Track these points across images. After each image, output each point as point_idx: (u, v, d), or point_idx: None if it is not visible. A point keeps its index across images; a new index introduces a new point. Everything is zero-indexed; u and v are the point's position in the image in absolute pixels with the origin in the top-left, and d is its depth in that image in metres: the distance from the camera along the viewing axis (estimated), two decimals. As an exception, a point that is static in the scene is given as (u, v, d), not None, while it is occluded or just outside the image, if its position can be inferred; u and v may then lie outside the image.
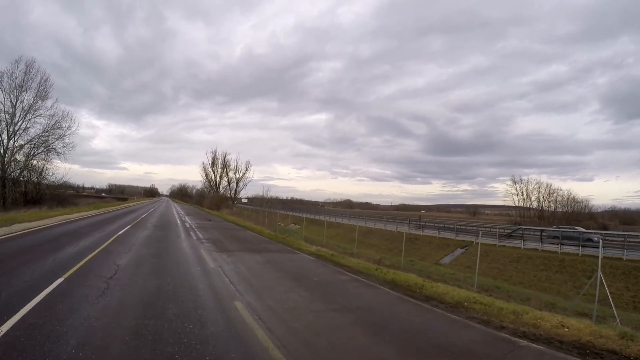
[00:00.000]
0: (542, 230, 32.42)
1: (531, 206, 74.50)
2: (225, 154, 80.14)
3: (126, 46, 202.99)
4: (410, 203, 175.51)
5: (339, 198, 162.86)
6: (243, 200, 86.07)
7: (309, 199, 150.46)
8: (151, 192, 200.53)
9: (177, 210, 58.14)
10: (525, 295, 16.39)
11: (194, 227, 26.49)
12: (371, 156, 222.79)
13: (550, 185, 73.10)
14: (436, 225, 41.95)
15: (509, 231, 34.72)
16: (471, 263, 28.63)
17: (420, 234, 40.02)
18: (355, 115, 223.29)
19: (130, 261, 10.81)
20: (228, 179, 78.74)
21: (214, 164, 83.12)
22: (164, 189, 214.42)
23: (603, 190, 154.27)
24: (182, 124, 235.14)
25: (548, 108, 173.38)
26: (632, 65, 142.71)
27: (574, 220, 64.35)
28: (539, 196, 73.17)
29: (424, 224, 44.64)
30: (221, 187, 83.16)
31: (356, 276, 11.72)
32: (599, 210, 75.73)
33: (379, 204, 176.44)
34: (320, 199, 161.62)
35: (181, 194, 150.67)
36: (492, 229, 36.35)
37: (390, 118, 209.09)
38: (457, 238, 35.37)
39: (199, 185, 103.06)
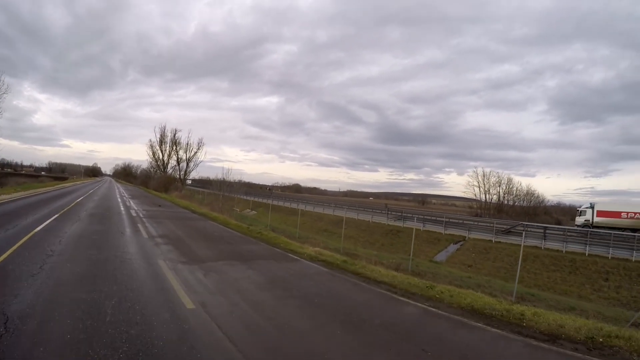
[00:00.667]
0: (545, 228, 29.58)
1: (492, 199, 74.22)
2: (176, 131, 72.10)
3: (76, 15, 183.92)
4: (357, 190, 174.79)
5: (287, 182, 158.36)
6: (187, 181, 79.20)
7: (257, 182, 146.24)
8: (93, 172, 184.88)
9: (120, 192, 51.03)
10: (565, 304, 13.09)
11: (141, 215, 21.01)
12: (320, 141, 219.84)
13: (512, 180, 73.21)
14: (420, 217, 38.11)
15: (507, 227, 31.39)
16: (471, 261, 25.78)
17: (401, 226, 35.76)
18: (306, 100, 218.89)
19: (32, 303, 5.61)
20: (177, 159, 71.21)
21: (162, 141, 74.16)
22: (107, 169, 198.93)
23: (544, 186, 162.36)
24: (129, 100, 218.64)
25: (497, 105, 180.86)
26: (581, 71, 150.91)
27: (531, 214, 64.41)
28: (499, 189, 72.88)
29: (406, 215, 40.35)
30: (169, 167, 75.63)
31: (420, 303, 7.49)
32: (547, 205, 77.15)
33: (326, 190, 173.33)
34: (268, 183, 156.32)
35: (125, 173, 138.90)
36: (489, 225, 32.90)
37: (341, 105, 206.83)
38: (446, 232, 31.86)
39: (145, 165, 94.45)
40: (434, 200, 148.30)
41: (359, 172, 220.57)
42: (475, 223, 34.24)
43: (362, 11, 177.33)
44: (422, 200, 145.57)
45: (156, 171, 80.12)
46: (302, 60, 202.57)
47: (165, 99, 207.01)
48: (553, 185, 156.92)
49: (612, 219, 39.10)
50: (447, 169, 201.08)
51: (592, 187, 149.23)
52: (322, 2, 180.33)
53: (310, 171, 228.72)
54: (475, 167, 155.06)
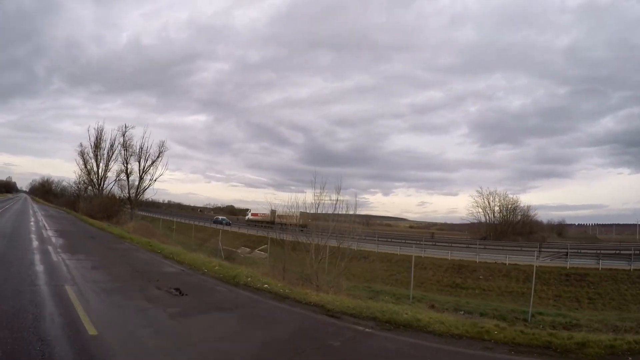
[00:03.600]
0: None
1: (494, 220, 60.83)
2: (126, 127, 45.87)
3: (3, 14, 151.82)
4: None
5: (213, 203, 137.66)
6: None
7: (185, 203, 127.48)
8: (6, 187, 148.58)
9: (38, 220, 28.75)
10: None
11: None
12: (247, 162, 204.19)
13: (517, 199, 61.26)
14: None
15: None
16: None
17: (565, 265, 25.32)
18: (235, 119, 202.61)
19: None
20: (127, 170, 47.44)
21: (97, 146, 48.45)
22: (24, 184, 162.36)
23: (466, 204, 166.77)
24: (51, 111, 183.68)
25: (421, 129, 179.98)
26: (501, 98, 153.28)
27: (527, 232, 55.33)
28: (502, 208, 60.31)
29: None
30: (106, 182, 51.43)
31: None
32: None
33: (257, 211, 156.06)
34: (194, 203, 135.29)
35: (44, 190, 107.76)
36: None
37: (269, 125, 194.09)
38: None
39: (70, 180, 69.25)
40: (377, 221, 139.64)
41: (286, 193, 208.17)
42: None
43: (295, 35, 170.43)
44: (367, 221, 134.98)
45: (86, 188, 55.73)
46: (233, 80, 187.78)
47: (89, 112, 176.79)
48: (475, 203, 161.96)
49: (255, 217, 62.11)
50: (373, 190, 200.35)
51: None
52: (258, 24, 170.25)
53: (236, 192, 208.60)
54: (398, 188, 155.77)
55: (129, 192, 46.59)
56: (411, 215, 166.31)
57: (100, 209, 42.91)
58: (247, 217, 68.81)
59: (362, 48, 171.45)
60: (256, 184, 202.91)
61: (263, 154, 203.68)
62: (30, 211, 43.82)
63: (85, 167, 51.07)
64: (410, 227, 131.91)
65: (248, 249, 39.50)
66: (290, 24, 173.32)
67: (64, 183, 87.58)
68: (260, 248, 40.34)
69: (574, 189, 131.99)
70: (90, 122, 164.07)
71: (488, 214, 60.54)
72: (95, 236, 22.12)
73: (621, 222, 76.15)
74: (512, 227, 57.01)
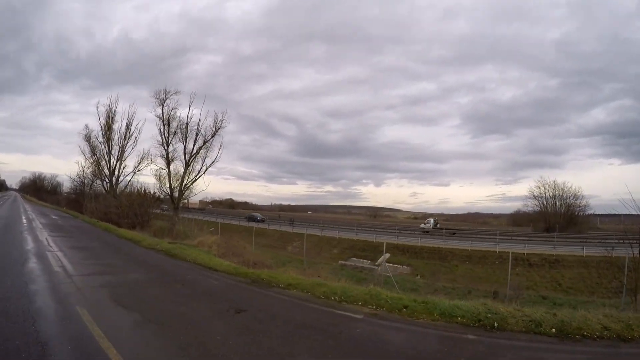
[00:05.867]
0: None
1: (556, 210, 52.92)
2: (166, 94, 29.62)
3: None
4: (278, 203, 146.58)
5: (210, 197, 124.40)
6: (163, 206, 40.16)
7: None
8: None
9: (40, 239, 12.37)
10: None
11: None
12: (239, 155, 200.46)
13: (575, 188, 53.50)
14: None
15: None
16: None
17: None
18: (226, 112, 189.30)
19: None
20: (167, 156, 29.55)
21: (109, 129, 35.04)
22: (13, 182, 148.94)
23: (457, 194, 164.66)
24: (41, 107, 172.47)
25: (413, 120, 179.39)
26: (492, 89, 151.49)
27: (573, 223, 48.79)
28: (562, 196, 52.58)
29: None
30: (120, 175, 36.15)
31: None
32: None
33: (257, 204, 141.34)
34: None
35: (35, 187, 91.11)
36: None
37: (261, 118, 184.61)
38: None
39: (71, 174, 53.96)
40: (385, 213, 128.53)
41: (277, 185, 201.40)
42: None
43: (288, 27, 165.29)
44: (374, 213, 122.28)
45: (92, 183, 40.34)
46: (225, 72, 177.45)
47: (79, 107, 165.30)
48: (465, 193, 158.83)
49: None
50: (365, 181, 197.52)
51: (503, 194, 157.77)
52: (250, 16, 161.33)
53: (228, 185, 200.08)
54: (391, 179, 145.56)
55: (170, 187, 30.31)
56: (403, 206, 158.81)
57: (126, 213, 27.21)
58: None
59: (355, 40, 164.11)
60: (248, 177, 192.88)
61: (255, 146, 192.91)
62: (24, 219, 27.39)
63: (94, 154, 36.08)
64: (415, 217, 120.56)
65: (367, 261, 24.67)
66: (284, 16, 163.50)
67: (58, 178, 75.64)
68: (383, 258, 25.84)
69: (564, 180, 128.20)
70: (80, 117, 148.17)
71: (550, 205, 53.13)
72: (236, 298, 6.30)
73: (613, 213, 72.45)
74: (569, 219, 50.58)
